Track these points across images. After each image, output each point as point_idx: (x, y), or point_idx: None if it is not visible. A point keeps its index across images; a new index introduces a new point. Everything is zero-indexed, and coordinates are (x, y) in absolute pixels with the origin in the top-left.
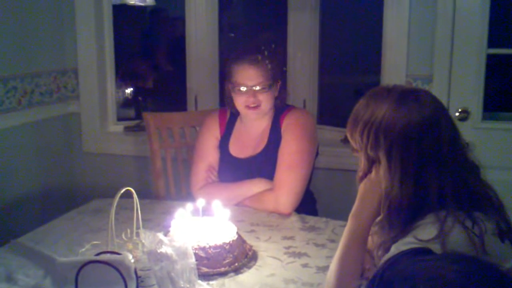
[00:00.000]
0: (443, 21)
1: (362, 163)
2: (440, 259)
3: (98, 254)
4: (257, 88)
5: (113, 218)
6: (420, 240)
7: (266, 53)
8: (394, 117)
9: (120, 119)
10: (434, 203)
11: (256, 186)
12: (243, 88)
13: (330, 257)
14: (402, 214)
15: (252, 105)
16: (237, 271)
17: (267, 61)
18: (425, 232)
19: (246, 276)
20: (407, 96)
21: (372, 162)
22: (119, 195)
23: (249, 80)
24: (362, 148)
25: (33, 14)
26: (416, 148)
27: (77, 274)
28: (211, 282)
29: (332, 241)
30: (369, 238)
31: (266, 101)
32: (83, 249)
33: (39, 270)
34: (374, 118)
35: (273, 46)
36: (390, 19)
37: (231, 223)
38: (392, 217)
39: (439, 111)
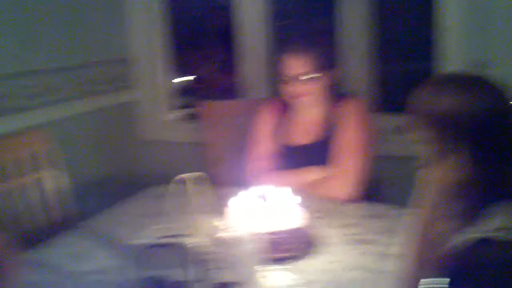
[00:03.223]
0: (503, 2)
1: (425, 154)
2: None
3: (159, 238)
4: (301, 78)
5: (178, 203)
6: (484, 231)
7: (313, 42)
8: (466, 106)
9: (176, 107)
10: (500, 193)
11: (313, 174)
12: (287, 78)
13: (393, 244)
14: (471, 203)
15: (297, 95)
16: (298, 257)
17: (313, 51)
18: (489, 222)
19: (307, 263)
20: (473, 83)
21: (438, 153)
22: (189, 180)
23: (292, 70)
24: (430, 139)
25: (89, 4)
26: (490, 135)
27: (141, 256)
28: (271, 268)
29: (395, 228)
30: (431, 227)
31: (311, 91)
32: (145, 233)
33: (105, 252)
34: (443, 109)
35: (322, 34)
36: (449, 3)
37: (296, 209)
38: (461, 206)
39: (505, 97)
